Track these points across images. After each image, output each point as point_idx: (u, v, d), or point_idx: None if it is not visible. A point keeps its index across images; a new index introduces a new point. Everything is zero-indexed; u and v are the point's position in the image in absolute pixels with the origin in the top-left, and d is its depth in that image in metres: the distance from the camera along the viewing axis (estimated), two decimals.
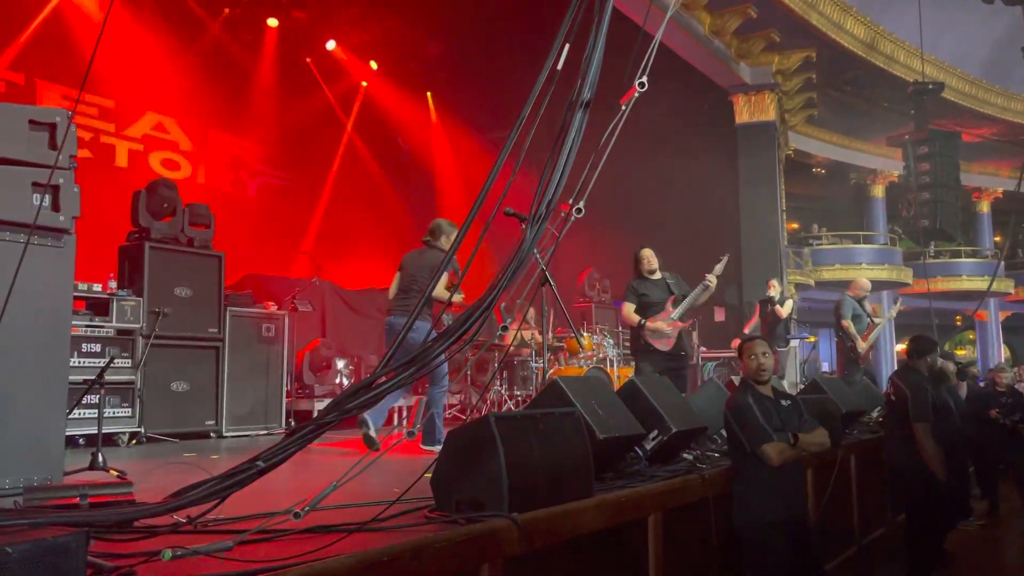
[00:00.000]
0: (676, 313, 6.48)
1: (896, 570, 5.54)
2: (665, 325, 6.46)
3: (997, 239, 25.22)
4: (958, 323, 24.93)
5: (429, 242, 6.34)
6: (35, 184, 3.32)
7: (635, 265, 6.76)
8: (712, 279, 6.35)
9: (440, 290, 5.74)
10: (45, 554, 1.61)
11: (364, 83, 14.89)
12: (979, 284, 22.06)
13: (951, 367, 7.86)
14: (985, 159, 22.95)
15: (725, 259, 6.46)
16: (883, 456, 5.79)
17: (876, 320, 8.99)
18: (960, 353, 25.10)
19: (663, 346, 6.48)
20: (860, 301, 8.92)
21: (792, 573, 4.06)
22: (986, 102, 19.22)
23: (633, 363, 6.88)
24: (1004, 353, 25.34)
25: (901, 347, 22.27)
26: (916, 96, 14.67)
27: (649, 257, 6.70)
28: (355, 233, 14.33)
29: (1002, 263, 21.00)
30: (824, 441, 4.29)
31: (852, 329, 8.60)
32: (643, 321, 6.48)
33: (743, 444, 4.08)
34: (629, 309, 6.66)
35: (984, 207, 25.18)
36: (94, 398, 5.54)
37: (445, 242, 6.20)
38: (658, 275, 6.66)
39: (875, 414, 6.97)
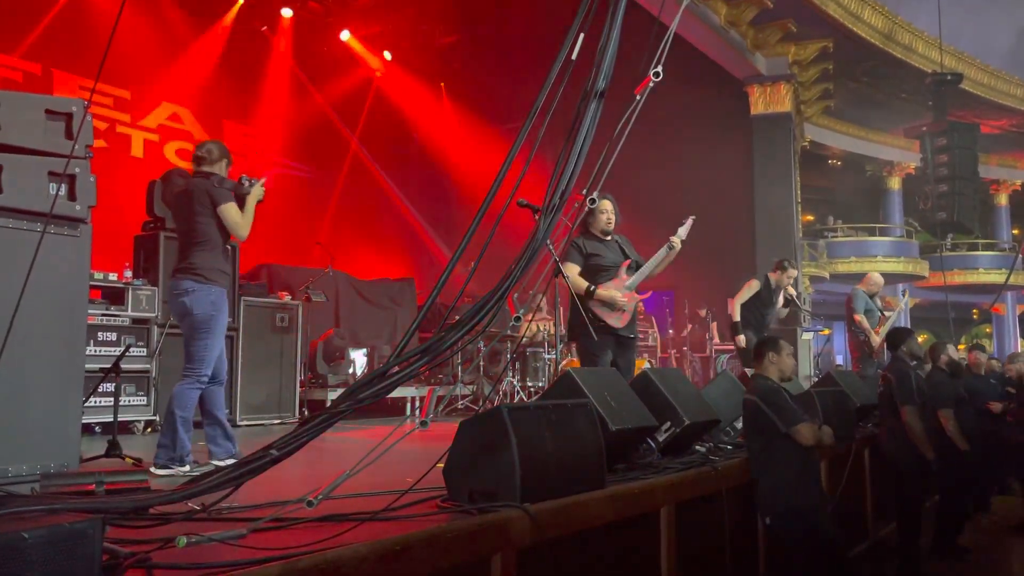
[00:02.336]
0: (631, 281, 5.27)
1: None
2: (620, 295, 5.20)
3: (1015, 232, 25.00)
4: (975, 316, 24.74)
5: (199, 161, 4.52)
6: (51, 173, 3.34)
7: (586, 216, 5.31)
8: (676, 241, 5.25)
9: (240, 227, 4.30)
10: (61, 540, 1.62)
11: (378, 73, 14.89)
12: (996, 277, 21.88)
13: (982, 358, 7.82)
14: (1004, 151, 22.71)
15: (690, 220, 5.38)
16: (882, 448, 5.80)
17: (887, 313, 8.91)
18: None
19: (616, 321, 5.19)
20: (872, 296, 8.84)
21: (822, 558, 4.08)
22: (1006, 93, 19.01)
23: (578, 346, 5.43)
24: (1021, 347, 25.12)
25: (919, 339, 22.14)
26: (934, 87, 14.50)
27: (609, 212, 5.39)
28: (369, 223, 14.37)
29: (1020, 256, 20.78)
30: (832, 436, 4.35)
31: (866, 323, 8.53)
32: (592, 288, 5.15)
33: (774, 427, 4.09)
34: (573, 271, 5.19)
35: (1002, 199, 24.94)
36: (110, 386, 5.59)
37: (223, 167, 4.48)
38: (610, 236, 5.44)
39: None
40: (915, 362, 5.63)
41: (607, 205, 5.36)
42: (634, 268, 5.32)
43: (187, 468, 4.01)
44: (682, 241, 5.28)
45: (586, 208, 2.90)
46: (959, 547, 5.86)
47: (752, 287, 7.78)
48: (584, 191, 2.90)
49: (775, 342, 4.49)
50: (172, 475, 3.94)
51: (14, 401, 3.26)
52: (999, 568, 5.90)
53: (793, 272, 8.08)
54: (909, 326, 22.27)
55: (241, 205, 4.34)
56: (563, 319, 6.93)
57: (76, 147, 3.37)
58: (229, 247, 4.39)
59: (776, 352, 4.40)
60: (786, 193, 14.74)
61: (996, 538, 6.57)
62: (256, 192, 4.40)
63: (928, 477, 5.26)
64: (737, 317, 7.63)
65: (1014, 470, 7.53)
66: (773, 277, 7.88)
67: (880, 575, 5.61)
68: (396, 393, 8.66)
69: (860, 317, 8.54)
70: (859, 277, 9.39)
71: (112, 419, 5.08)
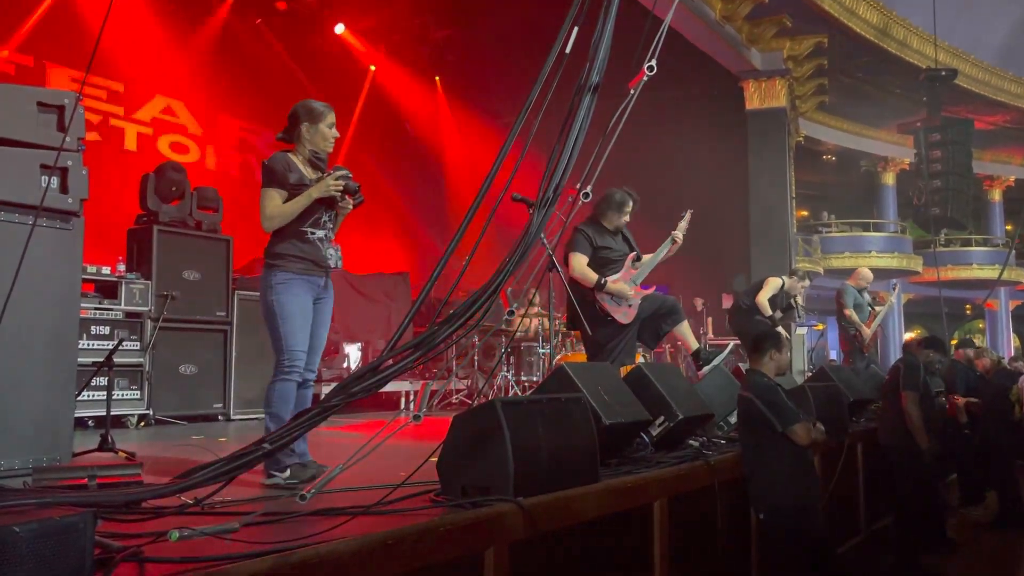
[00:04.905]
0: (638, 275, 5.20)
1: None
2: (629, 289, 5.12)
3: (1008, 227, 25.05)
4: (968, 312, 24.84)
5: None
6: (43, 166, 3.33)
7: (605, 209, 5.28)
8: (679, 235, 5.25)
9: (263, 219, 3.66)
10: (53, 533, 1.62)
11: (372, 67, 14.85)
12: (990, 273, 21.93)
13: (970, 354, 7.86)
14: (998, 147, 22.76)
15: (688, 215, 5.37)
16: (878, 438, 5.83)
17: (877, 308, 8.96)
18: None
19: (623, 317, 5.11)
20: (861, 291, 8.89)
21: (810, 556, 4.10)
22: (1000, 89, 19.04)
23: (585, 336, 5.30)
24: (1014, 343, 25.22)
25: (910, 335, 22.23)
26: (929, 83, 14.55)
27: (628, 209, 5.30)
28: (363, 217, 14.32)
29: (1013, 252, 20.85)
30: (824, 433, 4.38)
31: (855, 317, 8.58)
32: (602, 280, 5.06)
33: (770, 425, 4.09)
34: (581, 262, 5.10)
35: (996, 195, 25.00)
36: (103, 380, 5.56)
37: (307, 131, 3.79)
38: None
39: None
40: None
41: (632, 206, 5.31)
42: (638, 260, 5.27)
43: (287, 474, 3.46)
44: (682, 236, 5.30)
45: (580, 202, 2.90)
46: (947, 539, 5.90)
47: (775, 285, 7.94)
48: (578, 185, 2.90)
49: (777, 339, 4.49)
50: (275, 482, 3.45)
51: (6, 395, 3.25)
52: (987, 561, 5.93)
53: (807, 283, 8.30)
54: (902, 322, 22.38)
55: (295, 195, 3.66)
56: (557, 312, 6.93)
57: (68, 140, 3.36)
58: (312, 232, 3.71)
59: (778, 349, 4.41)
60: (780, 188, 14.77)
61: (985, 531, 6.61)
62: (320, 187, 3.64)
63: (921, 468, 5.28)
64: (769, 311, 7.77)
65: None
66: (788, 282, 8.04)
67: (872, 570, 5.63)
68: (390, 387, 8.65)
69: (850, 311, 8.60)
70: (853, 272, 9.44)
71: (105, 413, 5.06)
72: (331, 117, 3.82)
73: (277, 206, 3.63)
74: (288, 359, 3.59)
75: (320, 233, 3.74)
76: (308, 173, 3.74)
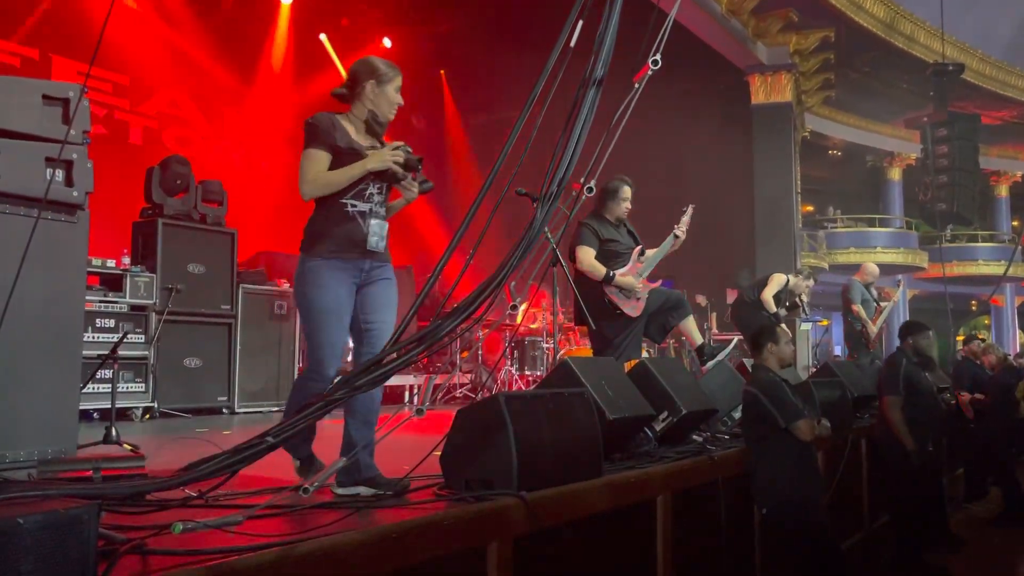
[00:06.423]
0: (644, 268, 5.20)
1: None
2: (638, 282, 5.15)
3: (1015, 223, 24.99)
4: (973, 308, 24.77)
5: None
6: (48, 159, 3.32)
7: (604, 200, 5.30)
8: (681, 231, 5.25)
9: (302, 183, 3.27)
10: (57, 525, 1.62)
11: None
12: (995, 269, 21.90)
13: (977, 349, 7.85)
14: (1005, 142, 22.69)
15: (690, 210, 5.35)
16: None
17: (883, 304, 8.94)
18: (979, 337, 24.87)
19: (632, 310, 5.11)
20: (867, 286, 8.88)
21: (813, 551, 4.11)
22: (1007, 84, 18.97)
23: (591, 331, 5.21)
24: (1020, 339, 25.15)
25: None
26: (936, 78, 14.47)
27: (629, 200, 5.32)
28: None
29: (1019, 248, 20.81)
30: (829, 429, 4.38)
31: (863, 313, 8.56)
32: (611, 273, 5.06)
33: (774, 420, 4.10)
34: (589, 255, 5.10)
35: (1002, 191, 24.93)
36: (108, 373, 5.58)
37: (372, 91, 3.36)
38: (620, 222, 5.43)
39: None
40: (919, 358, 5.59)
41: (628, 192, 5.29)
42: (641, 254, 5.27)
43: (297, 464, 3.42)
44: (684, 231, 5.29)
45: (583, 197, 2.89)
46: (951, 536, 5.88)
47: (780, 281, 7.95)
48: (582, 180, 2.89)
49: (772, 332, 4.50)
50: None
51: (11, 387, 3.26)
52: (990, 557, 5.92)
53: (812, 283, 8.30)
54: (907, 317, 22.31)
55: (343, 160, 3.18)
56: (560, 308, 6.91)
57: (73, 133, 3.35)
58: (352, 205, 3.19)
59: (775, 342, 4.41)
60: (786, 183, 14.73)
61: (989, 527, 6.60)
62: (377, 157, 3.15)
63: (912, 466, 5.26)
64: (774, 308, 7.77)
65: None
66: (793, 280, 8.05)
67: (875, 565, 5.63)
68: (394, 381, 8.66)
69: (857, 307, 8.58)
70: (858, 268, 9.43)
71: (110, 406, 5.08)
72: (399, 80, 3.31)
73: (320, 172, 3.14)
74: (315, 359, 3.26)
75: (364, 207, 3.19)
76: (360, 140, 3.27)
